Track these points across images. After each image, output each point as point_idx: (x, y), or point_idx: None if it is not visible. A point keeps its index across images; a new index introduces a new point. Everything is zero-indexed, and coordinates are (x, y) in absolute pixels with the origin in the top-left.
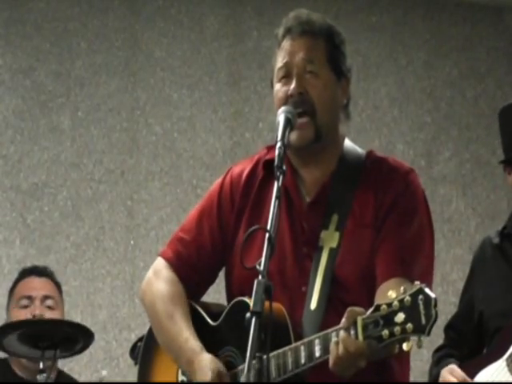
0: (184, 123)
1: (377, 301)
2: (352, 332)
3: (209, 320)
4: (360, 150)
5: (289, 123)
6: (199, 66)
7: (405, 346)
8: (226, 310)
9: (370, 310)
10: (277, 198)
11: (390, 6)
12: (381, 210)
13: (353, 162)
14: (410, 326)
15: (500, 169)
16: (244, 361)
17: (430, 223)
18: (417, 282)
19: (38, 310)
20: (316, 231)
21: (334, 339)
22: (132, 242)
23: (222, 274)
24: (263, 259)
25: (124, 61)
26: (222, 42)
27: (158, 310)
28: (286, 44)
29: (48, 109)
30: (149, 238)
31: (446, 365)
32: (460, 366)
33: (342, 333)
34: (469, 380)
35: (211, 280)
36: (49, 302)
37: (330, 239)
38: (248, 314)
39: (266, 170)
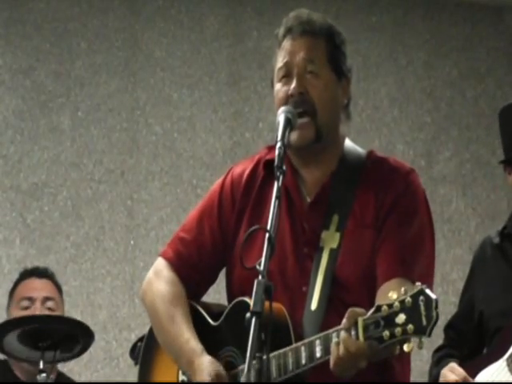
0: (184, 123)
1: (377, 301)
2: (353, 333)
3: (209, 320)
4: (360, 150)
5: (289, 123)
6: (199, 66)
7: (405, 347)
8: (227, 310)
9: (371, 310)
10: (277, 198)
11: (389, 6)
12: (381, 210)
13: (353, 162)
14: (410, 327)
15: (500, 169)
16: (244, 361)
17: (430, 223)
18: (418, 283)
19: (39, 312)
20: (317, 231)
21: (334, 340)
22: (132, 242)
23: (222, 274)
24: (263, 259)
25: (124, 61)
26: (222, 42)
27: (158, 310)
28: (287, 44)
29: (48, 109)
30: (149, 238)
31: (446, 365)
32: (460, 366)
33: (342, 333)
34: (469, 378)
35: (212, 280)
36: (49, 304)
37: (331, 239)
38: (248, 314)
39: (266, 169)
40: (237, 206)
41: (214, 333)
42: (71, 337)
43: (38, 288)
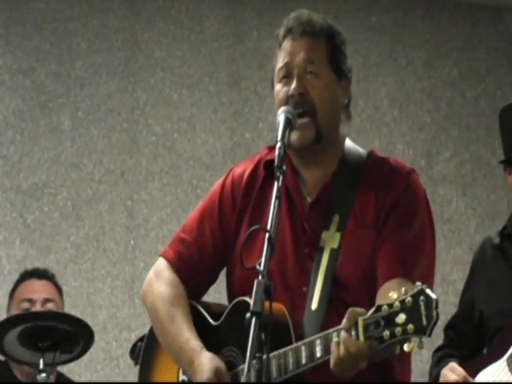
0: (184, 123)
1: (378, 301)
2: (353, 332)
3: (210, 320)
4: (361, 150)
5: (289, 123)
6: (199, 66)
7: (406, 347)
8: (227, 310)
9: (371, 310)
10: (277, 198)
11: (390, 6)
12: (382, 210)
13: (354, 163)
14: (411, 326)
15: (500, 169)
16: (245, 361)
17: (431, 224)
18: (418, 283)
19: None
20: (317, 232)
21: (335, 340)
22: (132, 242)
23: (222, 274)
24: (263, 259)
25: (124, 61)
26: (222, 42)
27: (159, 311)
28: (287, 44)
29: (48, 109)
30: (149, 238)
31: (447, 365)
32: (460, 366)
33: (343, 333)
34: (469, 378)
35: (212, 280)
36: (50, 305)
37: (331, 240)
38: (248, 315)
39: (267, 170)
40: (237, 207)
41: (215, 332)
42: (71, 337)
43: (39, 290)
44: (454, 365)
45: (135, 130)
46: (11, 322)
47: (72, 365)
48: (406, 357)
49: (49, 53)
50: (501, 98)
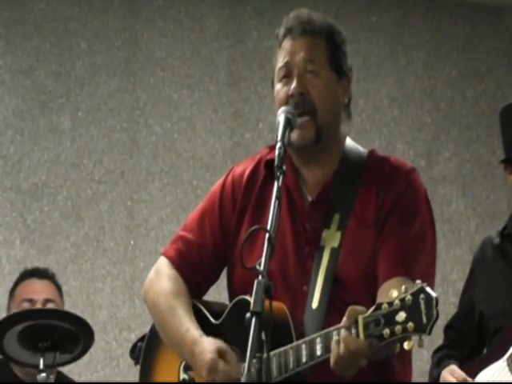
0: (184, 123)
1: (378, 300)
2: (353, 331)
3: (211, 318)
4: (362, 150)
5: (289, 123)
6: (199, 66)
7: (406, 345)
8: (228, 309)
9: (371, 308)
10: (277, 198)
11: (390, 6)
12: (382, 209)
13: (354, 162)
14: (411, 325)
15: (500, 169)
16: (245, 359)
17: (431, 223)
18: (418, 281)
19: None
20: (318, 231)
21: (335, 338)
22: (132, 242)
23: (222, 274)
24: (263, 259)
25: (124, 61)
26: (222, 42)
27: (160, 305)
28: (287, 44)
29: (48, 109)
30: (149, 238)
31: (447, 366)
32: (461, 367)
33: (343, 331)
34: (469, 378)
35: (213, 280)
36: (50, 306)
37: (332, 239)
38: (248, 315)
39: (267, 169)
40: (238, 206)
41: (215, 331)
42: (72, 336)
43: (39, 290)
44: (454, 367)
45: (135, 130)
46: (11, 320)
47: (72, 364)
48: (406, 357)
49: (49, 53)
50: (501, 97)
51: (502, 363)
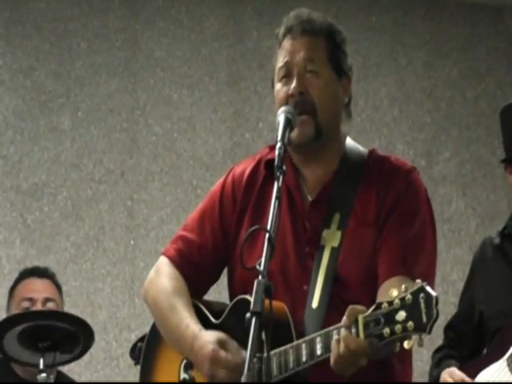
0: (184, 123)
1: (378, 299)
2: (353, 330)
3: (211, 318)
4: (362, 149)
5: (289, 123)
6: (199, 66)
7: (406, 345)
8: (228, 308)
9: (372, 308)
10: (277, 198)
11: (390, 6)
12: (383, 208)
13: (355, 161)
14: (411, 324)
15: (500, 169)
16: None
17: (432, 222)
18: (418, 281)
19: None
20: (318, 230)
21: (335, 337)
22: (132, 242)
23: (222, 274)
24: (263, 259)
25: (124, 61)
26: (222, 42)
27: (160, 304)
28: (287, 43)
29: (48, 109)
30: (149, 238)
31: (447, 366)
32: (461, 367)
33: (343, 331)
34: (468, 378)
35: (213, 279)
36: (50, 305)
37: (332, 238)
38: (248, 315)
39: (267, 169)
40: (238, 206)
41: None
42: (71, 336)
43: (39, 289)
44: (453, 369)
45: (135, 130)
46: (11, 321)
47: (72, 364)
48: (407, 357)
49: (49, 53)
50: (501, 97)
51: (502, 363)
